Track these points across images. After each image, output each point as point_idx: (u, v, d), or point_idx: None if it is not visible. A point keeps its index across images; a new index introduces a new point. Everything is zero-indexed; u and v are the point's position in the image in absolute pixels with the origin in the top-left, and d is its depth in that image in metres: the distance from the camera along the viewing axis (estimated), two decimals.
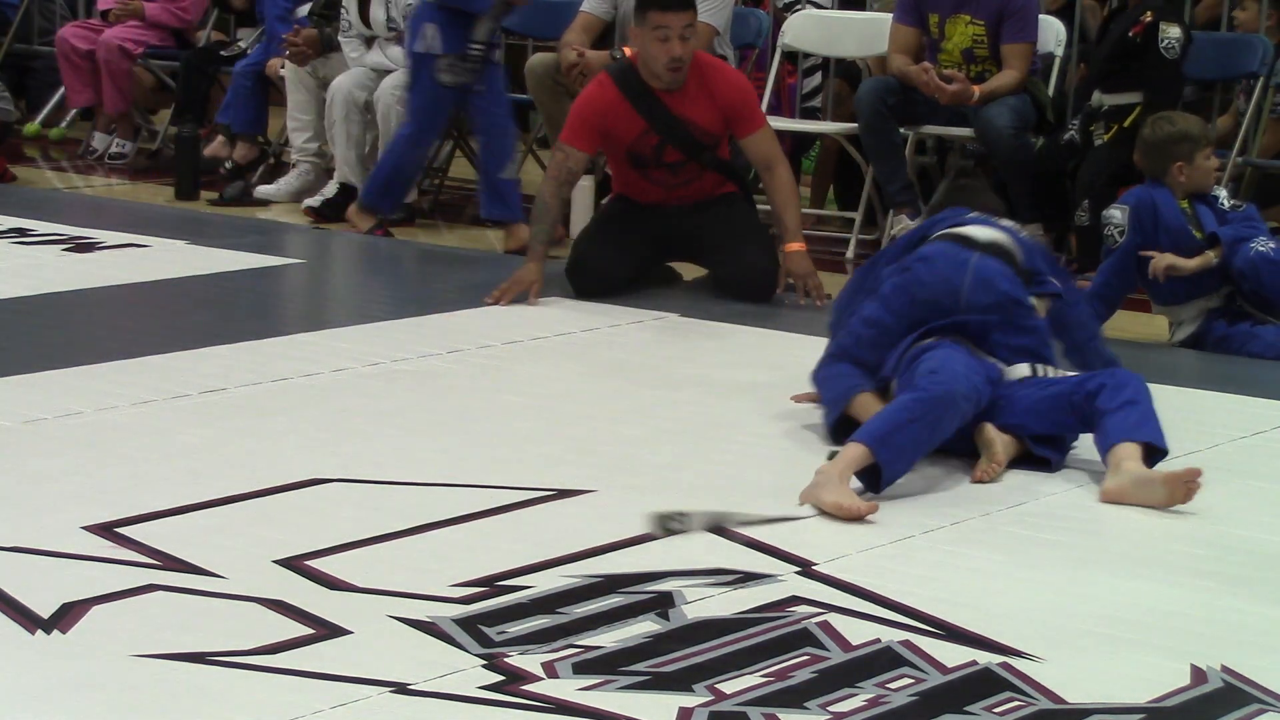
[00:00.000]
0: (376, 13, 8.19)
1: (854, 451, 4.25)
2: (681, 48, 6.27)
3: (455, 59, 7.35)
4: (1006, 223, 4.95)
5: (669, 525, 4.03)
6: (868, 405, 4.59)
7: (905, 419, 4.32)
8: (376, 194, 7.77)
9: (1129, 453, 4.36)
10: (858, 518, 4.10)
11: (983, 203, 5.12)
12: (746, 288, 6.48)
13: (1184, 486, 4.26)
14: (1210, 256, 6.01)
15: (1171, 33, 7.17)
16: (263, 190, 8.78)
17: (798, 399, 5.02)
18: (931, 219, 5.02)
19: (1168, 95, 7.21)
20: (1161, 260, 6.01)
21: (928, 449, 4.38)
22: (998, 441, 4.48)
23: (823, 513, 4.14)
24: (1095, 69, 7.51)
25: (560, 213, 6.56)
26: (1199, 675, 3.31)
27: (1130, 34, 7.18)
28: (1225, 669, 3.34)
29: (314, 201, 8.35)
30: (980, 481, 4.42)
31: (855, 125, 7.73)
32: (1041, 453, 4.55)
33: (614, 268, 6.56)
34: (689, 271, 7.00)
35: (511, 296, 6.35)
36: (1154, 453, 4.40)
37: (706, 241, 6.62)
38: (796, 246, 6.39)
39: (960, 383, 4.42)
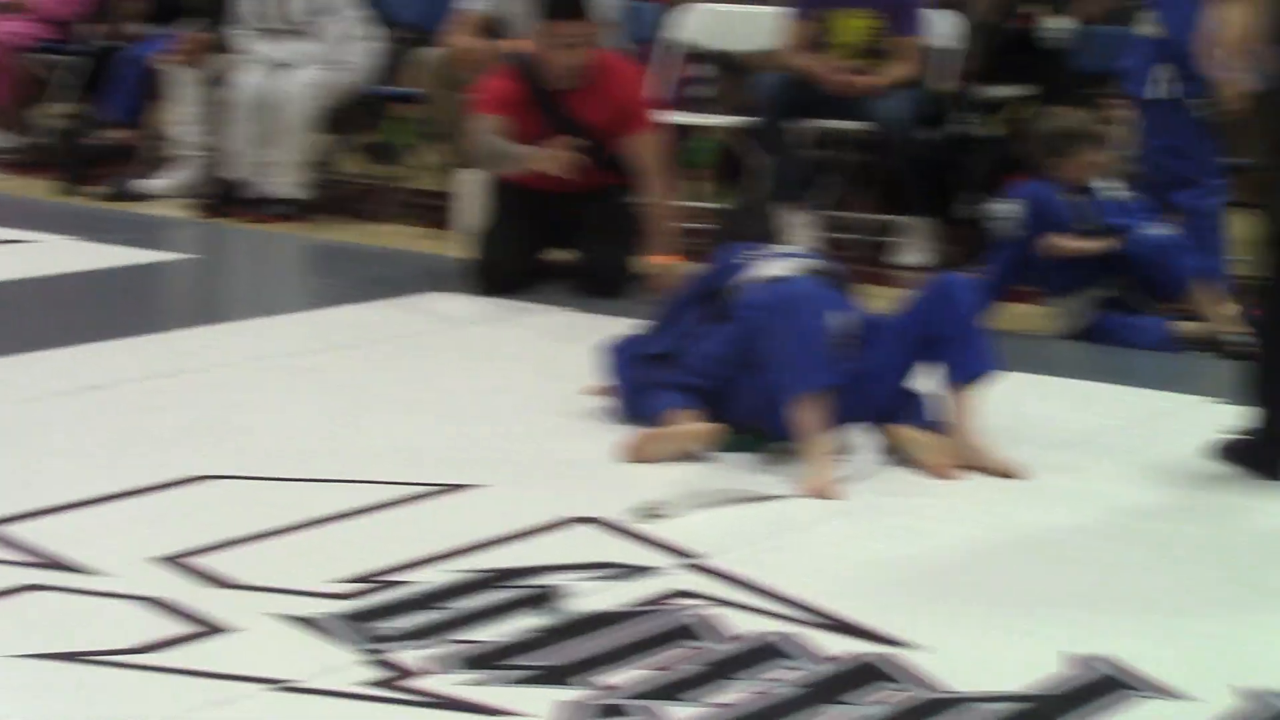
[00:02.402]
0: (296, 3, 8.12)
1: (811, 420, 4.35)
2: (577, 55, 6.33)
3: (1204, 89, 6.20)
4: (791, 248, 4.99)
5: (654, 513, 4.06)
6: (677, 417, 4.61)
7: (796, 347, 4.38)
8: None
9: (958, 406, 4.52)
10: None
11: (756, 231, 5.14)
12: (590, 284, 6.52)
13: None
14: (1094, 243, 6.07)
15: (1054, 23, 7.23)
16: (149, 185, 8.69)
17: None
18: (716, 266, 4.98)
19: (1055, 86, 7.28)
20: (1048, 240, 6.07)
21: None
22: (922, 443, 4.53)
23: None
24: (981, 61, 7.56)
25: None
26: (1078, 663, 3.34)
27: (1012, 25, 7.23)
28: (1104, 657, 3.37)
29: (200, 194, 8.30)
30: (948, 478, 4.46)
31: (747, 119, 7.73)
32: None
33: (520, 263, 6.62)
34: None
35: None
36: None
37: (578, 231, 6.65)
38: (661, 259, 6.40)
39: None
